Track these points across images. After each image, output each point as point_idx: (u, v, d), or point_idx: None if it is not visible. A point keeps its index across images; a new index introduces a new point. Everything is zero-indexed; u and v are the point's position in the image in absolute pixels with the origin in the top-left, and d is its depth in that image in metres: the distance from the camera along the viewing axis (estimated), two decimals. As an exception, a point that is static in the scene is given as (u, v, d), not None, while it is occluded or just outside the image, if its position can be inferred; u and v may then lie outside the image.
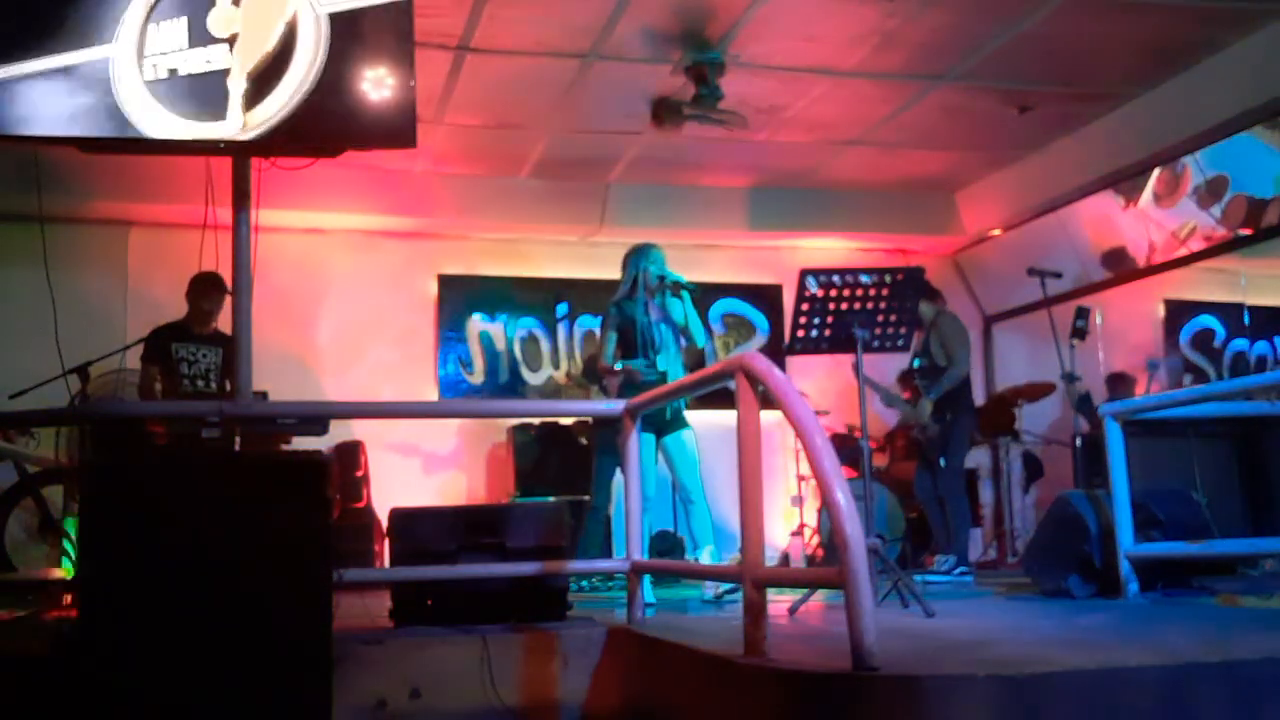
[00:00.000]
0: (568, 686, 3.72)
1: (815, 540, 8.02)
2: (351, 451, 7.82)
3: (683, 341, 5.62)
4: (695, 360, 5.69)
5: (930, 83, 7.03)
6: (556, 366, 8.97)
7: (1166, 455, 5.18)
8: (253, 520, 2.89)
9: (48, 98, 4.00)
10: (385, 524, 4.54)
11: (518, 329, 8.93)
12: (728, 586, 5.09)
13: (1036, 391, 8.53)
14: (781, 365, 3.00)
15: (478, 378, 8.80)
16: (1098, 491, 4.90)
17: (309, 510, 2.96)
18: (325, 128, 4.20)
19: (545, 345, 8.98)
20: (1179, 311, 9.43)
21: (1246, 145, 7.06)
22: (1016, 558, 7.92)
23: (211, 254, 4.33)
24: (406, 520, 4.26)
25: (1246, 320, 9.02)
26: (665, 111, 7.07)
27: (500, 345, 8.88)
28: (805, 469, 7.90)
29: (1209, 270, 8.36)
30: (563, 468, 7.87)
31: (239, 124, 4.10)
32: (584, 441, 7.90)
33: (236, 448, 4.34)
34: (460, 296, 8.82)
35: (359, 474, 7.80)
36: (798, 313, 4.67)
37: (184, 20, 4.10)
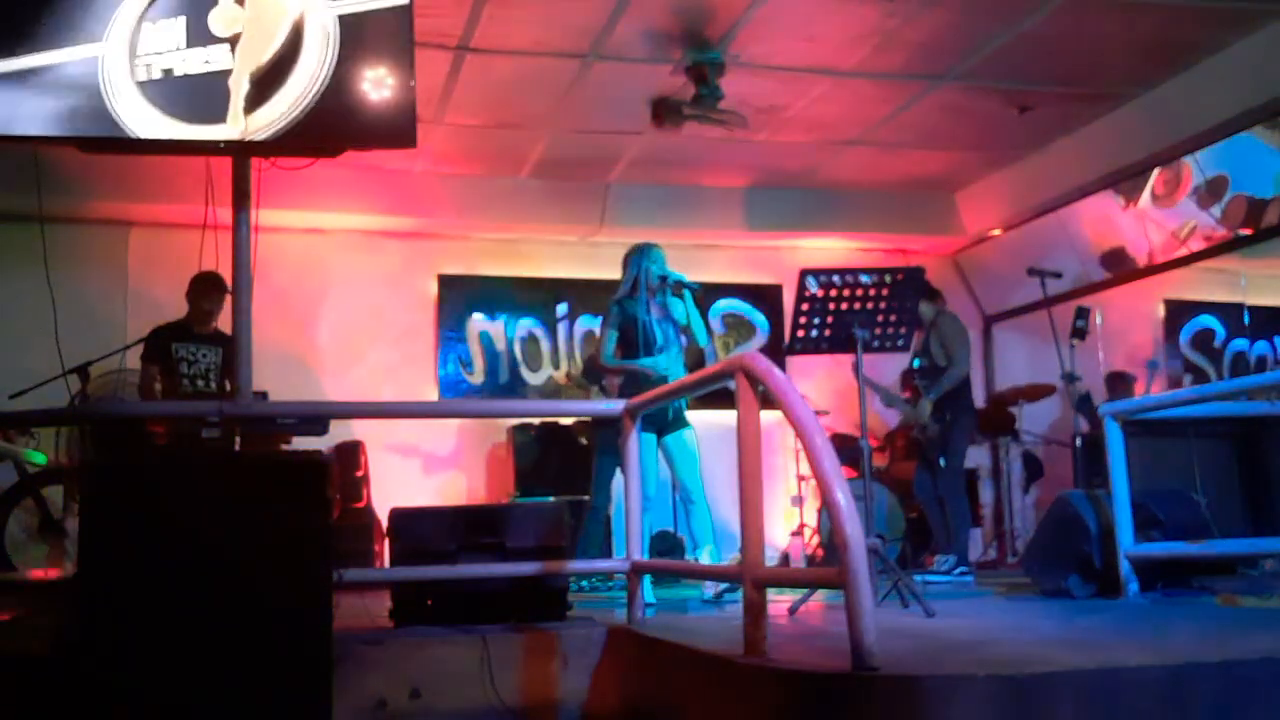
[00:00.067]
0: (568, 686, 3.72)
1: (815, 540, 8.01)
2: (351, 451, 7.82)
3: (684, 341, 5.62)
4: (695, 360, 5.69)
5: (930, 83, 7.03)
6: (556, 366, 8.97)
7: (1166, 455, 5.17)
8: (253, 520, 2.90)
9: (28, 98, 3.93)
10: (385, 524, 4.54)
11: (518, 329, 8.92)
12: (727, 586, 5.09)
13: (1036, 392, 8.53)
14: (781, 365, 2.99)
15: (478, 378, 8.79)
16: (1098, 491, 4.91)
17: (309, 510, 2.96)
18: (326, 128, 4.17)
19: (545, 345, 8.98)
20: (1179, 311, 9.43)
21: (1246, 145, 7.05)
22: (1016, 558, 7.92)
23: (211, 254, 4.31)
24: (406, 520, 4.26)
25: (1246, 320, 9.02)
26: (665, 111, 7.06)
27: (500, 345, 8.87)
28: (805, 469, 7.90)
29: (1209, 270, 8.36)
30: (563, 468, 7.87)
31: (240, 126, 4.07)
32: (584, 441, 7.90)
33: (236, 448, 4.35)
34: (460, 296, 8.81)
35: (359, 474, 7.80)
36: (798, 313, 4.66)
37: (182, 20, 4.06)
